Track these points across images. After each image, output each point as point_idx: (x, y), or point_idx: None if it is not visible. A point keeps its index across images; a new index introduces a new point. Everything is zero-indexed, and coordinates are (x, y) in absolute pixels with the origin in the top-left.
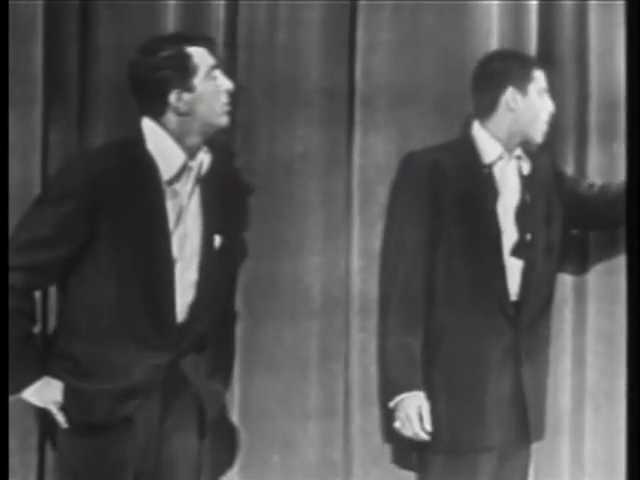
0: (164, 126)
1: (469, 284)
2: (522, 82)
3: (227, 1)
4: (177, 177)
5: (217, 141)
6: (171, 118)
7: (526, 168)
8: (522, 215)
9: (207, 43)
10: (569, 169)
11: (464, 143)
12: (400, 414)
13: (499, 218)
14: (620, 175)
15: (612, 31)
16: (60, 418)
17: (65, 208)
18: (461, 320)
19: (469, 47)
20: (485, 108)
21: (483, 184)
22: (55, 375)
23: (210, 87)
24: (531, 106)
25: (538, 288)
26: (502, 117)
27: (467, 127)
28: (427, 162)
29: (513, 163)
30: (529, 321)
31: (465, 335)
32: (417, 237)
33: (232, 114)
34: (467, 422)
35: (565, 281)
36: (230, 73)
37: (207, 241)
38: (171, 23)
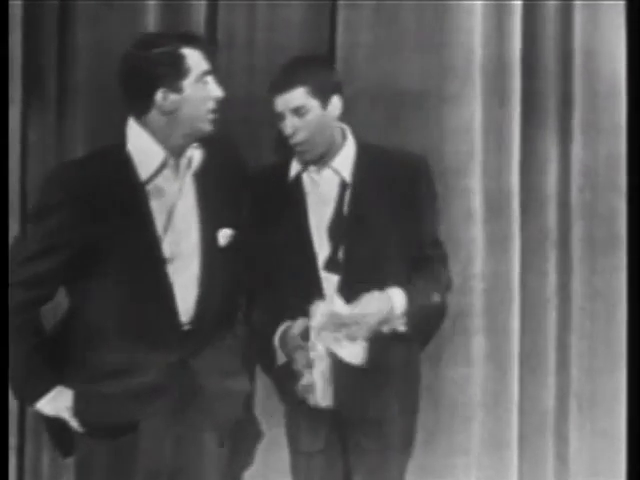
0: (146, 124)
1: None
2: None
3: (208, 1)
4: (155, 175)
5: (218, 136)
6: (155, 116)
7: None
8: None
9: (205, 47)
10: (553, 169)
11: None
12: None
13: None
14: (603, 174)
15: (596, 32)
16: (74, 424)
17: (50, 222)
18: None
19: (451, 48)
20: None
21: None
22: (67, 383)
23: (199, 91)
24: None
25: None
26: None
27: None
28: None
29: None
30: None
31: None
32: None
33: (216, 122)
34: None
35: (549, 281)
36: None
37: (208, 237)
38: (151, 23)
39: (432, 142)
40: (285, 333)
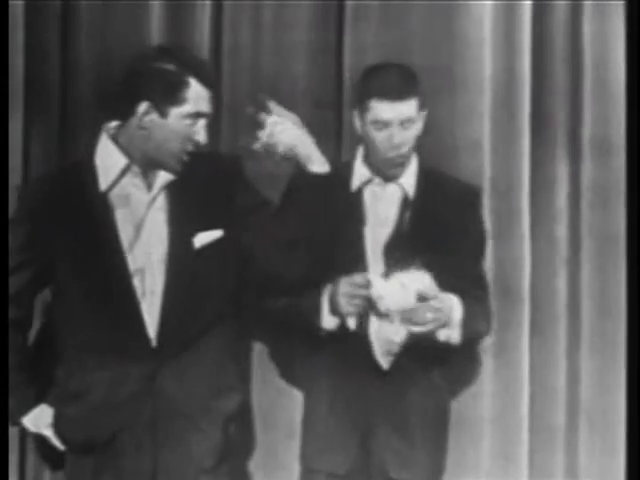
0: (119, 131)
1: None
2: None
3: (213, 1)
4: (115, 183)
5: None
6: (132, 125)
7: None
8: None
9: (215, 91)
10: (563, 182)
11: None
12: None
13: None
14: (614, 188)
15: (606, 42)
16: (55, 442)
17: (17, 238)
18: None
19: (459, 54)
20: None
21: None
22: (48, 401)
23: (182, 127)
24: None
25: None
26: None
27: None
28: None
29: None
30: None
31: None
32: None
33: (184, 167)
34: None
35: (560, 298)
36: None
37: (177, 248)
38: (155, 33)
39: (442, 158)
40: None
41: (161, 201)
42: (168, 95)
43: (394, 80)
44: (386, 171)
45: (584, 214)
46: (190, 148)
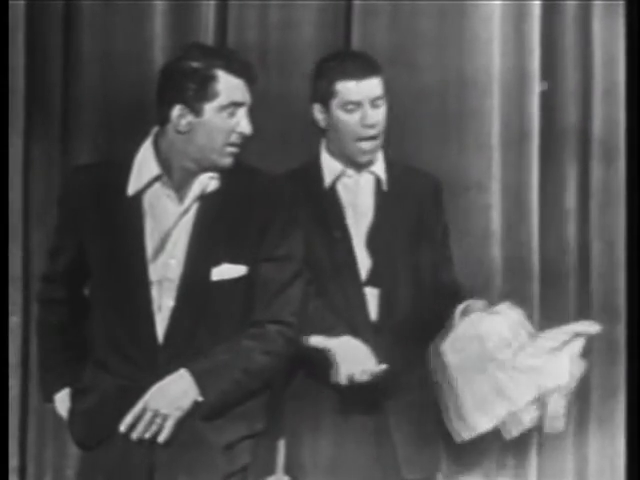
0: (160, 138)
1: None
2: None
3: (217, 1)
4: (143, 191)
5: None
6: (170, 132)
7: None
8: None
9: (250, 78)
10: (572, 183)
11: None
12: None
13: None
14: (622, 190)
15: (615, 42)
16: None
17: (58, 221)
18: None
19: (468, 53)
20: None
21: None
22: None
23: (220, 121)
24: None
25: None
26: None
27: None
28: None
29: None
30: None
31: None
32: None
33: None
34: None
35: (569, 299)
36: None
37: (192, 269)
38: (159, 33)
39: (451, 157)
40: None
41: (191, 215)
42: (198, 93)
43: (355, 61)
44: (359, 159)
45: (593, 214)
46: (235, 140)
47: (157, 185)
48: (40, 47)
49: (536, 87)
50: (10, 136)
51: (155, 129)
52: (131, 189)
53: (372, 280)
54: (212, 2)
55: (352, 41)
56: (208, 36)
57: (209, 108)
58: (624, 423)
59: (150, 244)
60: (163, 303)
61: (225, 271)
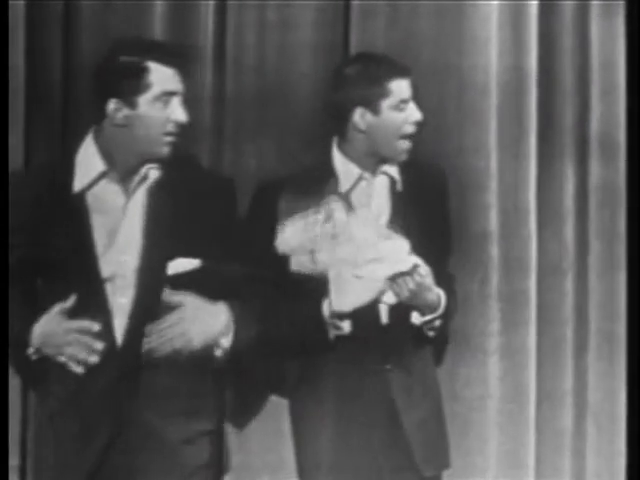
0: (99, 135)
1: None
2: (372, 100)
3: (216, 1)
4: (90, 187)
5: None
6: (107, 127)
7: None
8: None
9: (184, 65)
10: (570, 182)
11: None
12: None
13: None
14: (621, 188)
15: (613, 42)
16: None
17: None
18: None
19: (466, 53)
20: (338, 131)
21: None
22: None
23: (155, 111)
24: (384, 124)
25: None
26: (354, 138)
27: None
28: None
29: (381, 180)
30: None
31: None
32: None
33: (177, 146)
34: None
35: (567, 300)
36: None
37: (149, 262)
38: (158, 33)
39: (448, 157)
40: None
41: (138, 209)
42: (131, 86)
43: (392, 61)
44: (399, 157)
45: (591, 214)
46: (172, 129)
47: (102, 181)
48: (40, 47)
49: (533, 86)
50: (10, 136)
51: (92, 127)
52: (77, 186)
53: None
54: (211, 2)
55: (351, 41)
56: (207, 37)
57: (143, 100)
58: (624, 422)
59: (99, 240)
60: (117, 299)
61: (179, 265)
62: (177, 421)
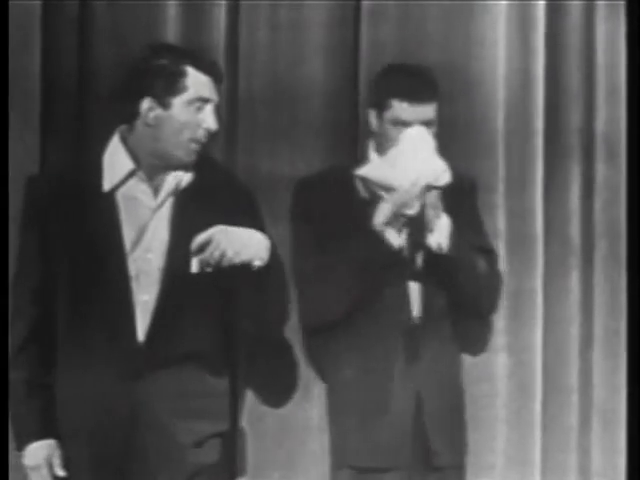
0: (129, 134)
1: None
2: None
3: (228, 1)
4: (119, 186)
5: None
6: (139, 126)
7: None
8: None
9: (218, 77)
10: (576, 182)
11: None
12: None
13: None
14: (627, 190)
15: (619, 44)
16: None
17: (28, 240)
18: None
19: (474, 54)
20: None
21: None
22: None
23: (187, 115)
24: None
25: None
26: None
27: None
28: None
29: None
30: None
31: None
32: None
33: (202, 155)
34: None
35: (573, 298)
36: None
37: (174, 261)
38: (171, 34)
39: (456, 157)
40: None
41: (167, 209)
42: (168, 87)
43: (417, 82)
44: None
45: (597, 214)
46: (201, 136)
47: (131, 180)
48: (55, 49)
49: (540, 87)
50: (26, 139)
51: (121, 127)
52: (106, 185)
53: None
54: (223, 2)
55: (361, 41)
56: (220, 37)
57: (177, 102)
58: (626, 419)
59: (127, 238)
60: (141, 296)
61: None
62: (190, 422)
